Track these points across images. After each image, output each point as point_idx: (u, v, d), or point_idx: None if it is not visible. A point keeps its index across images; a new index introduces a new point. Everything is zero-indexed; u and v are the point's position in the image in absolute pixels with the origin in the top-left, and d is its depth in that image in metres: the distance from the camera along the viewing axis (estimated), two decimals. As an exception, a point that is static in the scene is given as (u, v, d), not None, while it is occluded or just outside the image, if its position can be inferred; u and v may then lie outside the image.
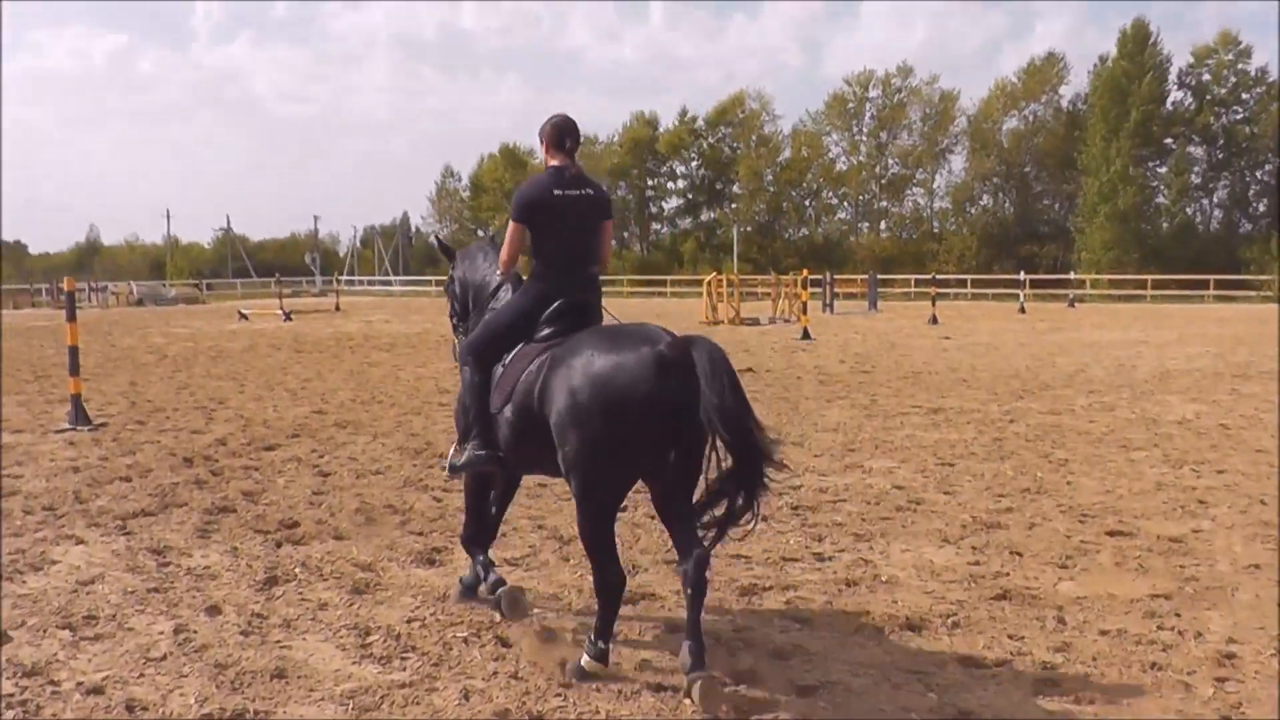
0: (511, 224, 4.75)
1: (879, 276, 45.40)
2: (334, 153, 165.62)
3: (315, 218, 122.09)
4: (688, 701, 4.04)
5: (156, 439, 10.39)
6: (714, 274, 33.44)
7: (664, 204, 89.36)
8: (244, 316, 35.98)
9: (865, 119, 77.09)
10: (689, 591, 4.13)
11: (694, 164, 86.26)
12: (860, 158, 77.12)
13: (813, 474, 8.39)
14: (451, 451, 4.97)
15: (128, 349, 22.41)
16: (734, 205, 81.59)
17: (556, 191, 4.65)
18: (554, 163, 4.76)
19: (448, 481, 8.04)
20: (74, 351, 11.49)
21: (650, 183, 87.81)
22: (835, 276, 42.27)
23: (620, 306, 31.88)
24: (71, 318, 11.60)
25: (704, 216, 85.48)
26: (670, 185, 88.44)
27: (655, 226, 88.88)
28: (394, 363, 18.48)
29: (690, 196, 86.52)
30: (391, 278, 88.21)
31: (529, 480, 8.07)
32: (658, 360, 4.04)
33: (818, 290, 38.50)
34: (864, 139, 77.40)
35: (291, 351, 20.98)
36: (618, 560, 4.29)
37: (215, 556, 6.13)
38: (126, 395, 14.03)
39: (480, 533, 5.18)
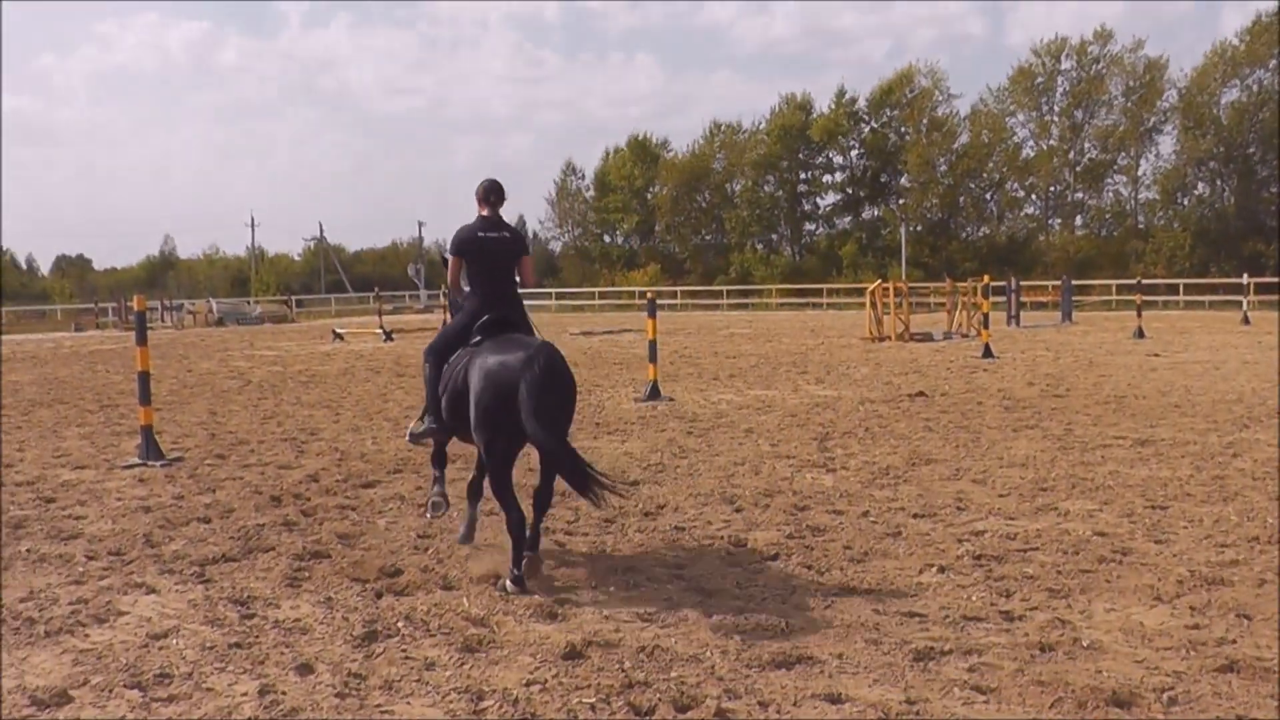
0: (451, 257, 7.55)
1: (1073, 282, 44.23)
2: (442, 151, 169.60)
3: (420, 224, 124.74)
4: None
5: (239, 475, 10.73)
6: (878, 282, 33.06)
7: (819, 200, 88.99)
8: (339, 336, 37.07)
9: (1057, 95, 75.50)
10: (534, 502, 6.94)
11: (854, 153, 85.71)
12: (1051, 141, 75.47)
13: (998, 517, 8.19)
14: (411, 424, 7.84)
15: (206, 374, 23.29)
16: (901, 201, 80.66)
17: (480, 234, 7.37)
18: (482, 213, 7.48)
19: (570, 525, 8.09)
20: (145, 378, 11.82)
21: (803, 176, 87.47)
22: (1021, 283, 41.31)
23: (766, 322, 31.68)
24: (142, 340, 11.92)
25: (866, 214, 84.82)
26: (826, 178, 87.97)
27: (809, 227, 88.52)
28: None
29: (850, 191, 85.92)
30: None
31: (667, 522, 8.09)
32: (523, 362, 6.48)
33: (1001, 300, 37.77)
34: (1055, 119, 75.76)
35: (393, 375, 21.49)
36: (517, 503, 6.70)
37: (306, 608, 6.27)
38: (205, 426, 14.54)
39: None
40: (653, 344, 16.83)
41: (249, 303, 69.66)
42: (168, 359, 28.36)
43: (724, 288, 73.41)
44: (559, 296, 78.34)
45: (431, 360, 7.45)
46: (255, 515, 8.82)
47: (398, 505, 9.13)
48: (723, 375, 20.41)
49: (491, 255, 7.39)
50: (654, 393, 16.35)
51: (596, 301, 75.53)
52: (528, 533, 6.78)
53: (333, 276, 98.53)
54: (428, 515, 8.04)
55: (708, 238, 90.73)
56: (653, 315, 16.92)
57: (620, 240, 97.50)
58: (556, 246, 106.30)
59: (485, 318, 7.29)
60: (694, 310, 66.63)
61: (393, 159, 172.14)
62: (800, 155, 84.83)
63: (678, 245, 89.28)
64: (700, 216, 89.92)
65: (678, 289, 73.54)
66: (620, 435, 12.89)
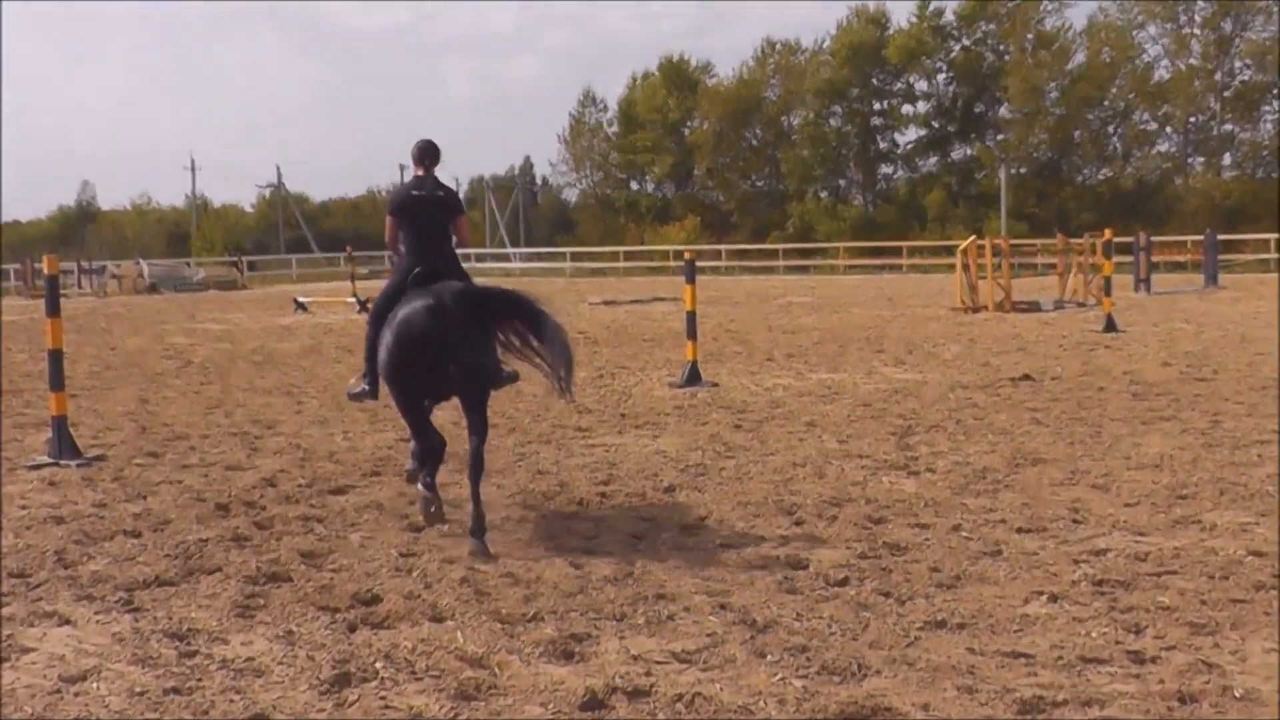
0: (388, 216, 9.39)
1: (1220, 237, 43.83)
2: (429, 78, 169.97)
3: (401, 168, 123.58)
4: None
5: (176, 478, 10.78)
6: (972, 238, 32.92)
7: (897, 137, 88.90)
8: (301, 307, 37.26)
9: (1198, 2, 74.62)
10: (471, 463, 8.35)
11: (941, 78, 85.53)
12: (1191, 60, 74.86)
13: (1124, 532, 8.14)
14: (352, 384, 10.08)
15: (135, 353, 23.45)
16: (1001, 137, 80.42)
17: (413, 193, 9.19)
18: (417, 173, 9.35)
19: (589, 541, 8.09)
20: (57, 357, 11.85)
21: (877, 106, 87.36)
22: (1153, 239, 41.05)
23: (832, 288, 31.64)
24: (54, 310, 11.90)
25: (956, 154, 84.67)
26: (907, 109, 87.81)
27: (885, 170, 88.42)
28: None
29: (936, 125, 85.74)
30: (509, 249, 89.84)
31: (710, 538, 8.07)
32: (427, 308, 8.12)
33: (1127, 259, 37.56)
34: (1197, 32, 75.11)
35: (369, 355, 21.54)
36: (428, 433, 8.75)
37: (261, 644, 6.29)
38: (133, 417, 14.66)
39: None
40: (691, 316, 16.82)
41: (189, 265, 70.03)
42: (86, 334, 28.55)
43: (779, 246, 73.26)
44: (574, 258, 78.49)
45: (371, 321, 9.12)
46: (197, 528, 8.83)
47: (374, 516, 9.15)
48: (778, 355, 20.42)
49: (425, 214, 9.17)
50: (693, 376, 16.37)
51: (621, 264, 75.50)
52: (472, 511, 8.24)
53: (294, 232, 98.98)
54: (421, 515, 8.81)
55: (759, 184, 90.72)
56: (691, 281, 16.90)
57: (651, 188, 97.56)
58: (571, 195, 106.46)
59: (416, 270, 8.86)
60: (742, 275, 66.63)
61: (369, 88, 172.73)
62: (874, 81, 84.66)
63: (722, 194, 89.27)
64: (750, 158, 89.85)
65: (722, 248, 73.46)
66: (651, 429, 12.92)
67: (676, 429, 13.02)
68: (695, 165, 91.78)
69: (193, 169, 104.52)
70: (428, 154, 9.34)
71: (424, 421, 8.79)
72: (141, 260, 63.92)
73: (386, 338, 8.44)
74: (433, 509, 8.61)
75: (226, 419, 14.30)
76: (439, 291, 8.21)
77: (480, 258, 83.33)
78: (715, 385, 16.35)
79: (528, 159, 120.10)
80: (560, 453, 11.72)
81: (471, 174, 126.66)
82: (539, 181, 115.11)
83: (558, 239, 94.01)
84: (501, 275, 70.25)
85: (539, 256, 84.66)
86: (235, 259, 69.73)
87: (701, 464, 10.94)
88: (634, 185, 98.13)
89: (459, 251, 9.61)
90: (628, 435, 12.67)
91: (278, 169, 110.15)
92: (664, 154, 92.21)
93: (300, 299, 38.89)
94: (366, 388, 9.42)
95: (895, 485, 9.86)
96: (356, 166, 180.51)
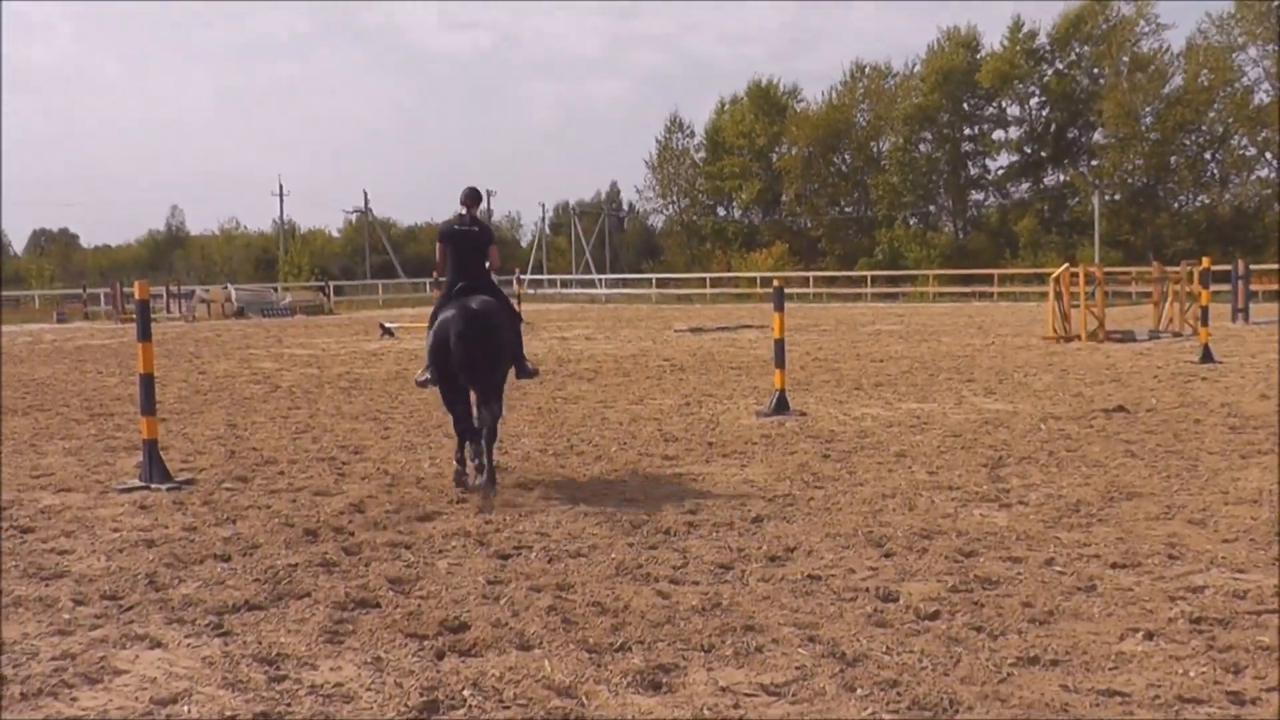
0: (439, 245, 12.17)
1: (1323, 266, 43.00)
2: (514, 101, 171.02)
3: (488, 193, 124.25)
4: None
5: (265, 503, 10.92)
6: (1064, 266, 32.65)
7: (988, 163, 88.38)
8: (388, 332, 37.58)
9: (1300, 25, 73.54)
10: (483, 431, 11.19)
11: (1034, 102, 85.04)
12: (1292, 83, 73.60)
13: (1223, 569, 8.03)
14: (418, 374, 12.54)
15: (223, 377, 23.73)
16: (1095, 162, 79.64)
17: (457, 228, 11.89)
18: (461, 212, 12.05)
19: (677, 571, 8.10)
20: (148, 381, 11.99)
21: (968, 131, 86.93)
22: (1252, 267, 40.43)
23: (921, 315, 31.50)
24: (145, 334, 12.05)
25: (1049, 180, 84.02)
26: (998, 135, 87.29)
27: (975, 196, 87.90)
28: (599, 397, 18.91)
29: (1029, 151, 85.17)
30: (595, 275, 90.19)
31: (798, 569, 8.05)
32: (451, 320, 11.00)
33: (1224, 288, 37.07)
34: (1299, 54, 73.83)
35: (455, 380, 21.74)
36: (462, 417, 11.43)
37: (350, 670, 6.34)
38: (222, 441, 14.88)
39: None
40: (779, 344, 16.81)
41: (275, 290, 70.77)
42: (175, 358, 28.95)
43: (868, 273, 73.04)
44: (660, 284, 78.63)
45: (429, 322, 11.80)
46: (285, 553, 8.93)
47: (462, 543, 9.19)
48: (867, 384, 20.33)
49: (467, 243, 11.99)
50: (781, 405, 16.35)
51: (708, 290, 75.64)
52: (479, 462, 11.34)
53: (380, 257, 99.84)
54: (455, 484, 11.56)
55: (848, 210, 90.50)
56: (779, 308, 16.89)
57: (738, 214, 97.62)
58: (658, 221, 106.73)
59: (459, 285, 11.77)
60: (830, 301, 66.47)
61: (452, 112, 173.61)
62: (965, 105, 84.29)
63: (810, 219, 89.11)
64: (839, 183, 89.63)
65: (810, 274, 73.36)
66: (739, 458, 12.92)
67: (764, 458, 12.98)
68: (783, 191, 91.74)
69: (280, 194, 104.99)
70: (471, 197, 12.34)
71: (456, 403, 11.61)
72: (230, 285, 64.73)
73: (432, 336, 11.47)
74: (462, 480, 11.55)
75: (314, 444, 14.46)
76: (467, 305, 11.36)
77: (566, 284, 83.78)
78: (803, 414, 16.31)
79: (614, 185, 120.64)
80: (647, 481, 11.72)
81: (557, 199, 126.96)
82: (625, 207, 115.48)
83: (644, 265, 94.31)
84: (587, 301, 70.48)
85: (625, 283, 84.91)
86: (322, 284, 70.43)
87: (790, 494, 10.91)
88: (721, 211, 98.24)
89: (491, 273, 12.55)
90: (715, 464, 12.66)
91: (364, 194, 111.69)
92: (751, 179, 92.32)
93: (386, 324, 39.20)
94: (429, 376, 11.96)
95: (987, 518, 9.79)
96: (442, 191, 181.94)
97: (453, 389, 11.56)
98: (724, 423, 15.75)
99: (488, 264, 12.27)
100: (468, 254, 12.08)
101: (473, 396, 11.61)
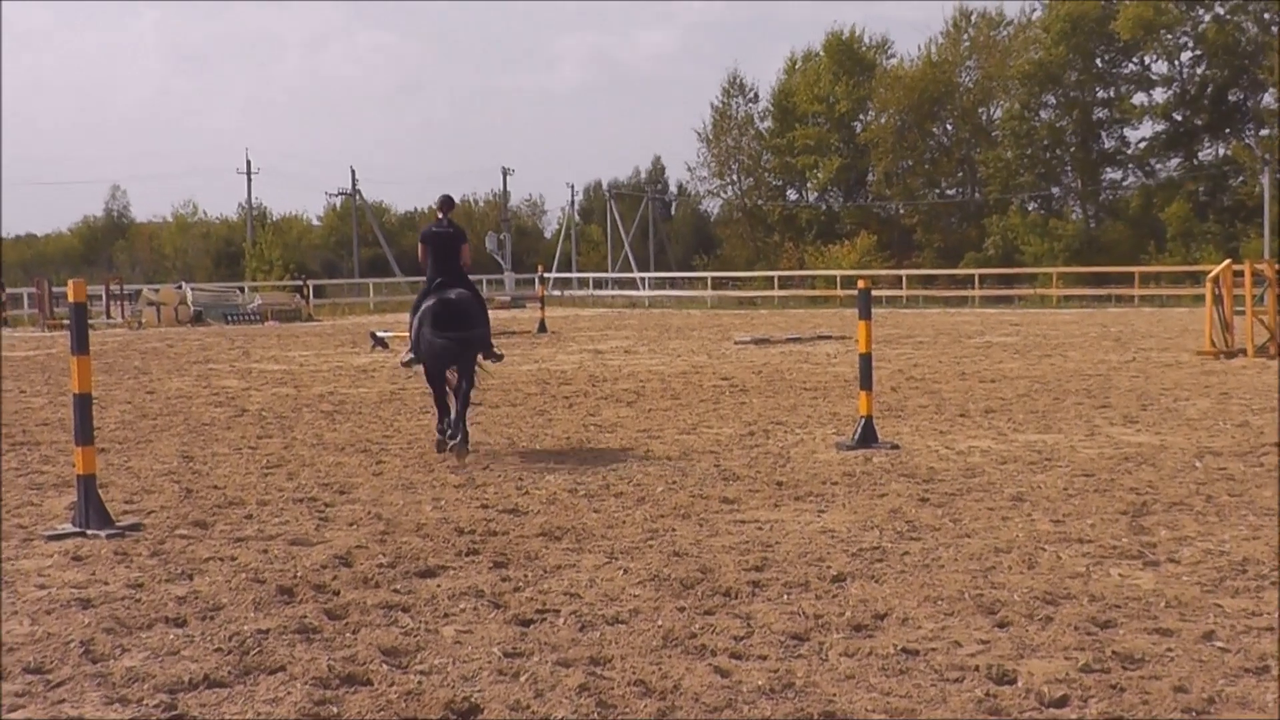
0: (420, 245, 17.46)
1: None
2: (536, 58, 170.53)
3: (504, 172, 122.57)
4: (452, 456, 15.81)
5: (230, 553, 10.86)
6: (1226, 262, 32.38)
7: (1126, 134, 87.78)
8: (380, 343, 37.68)
9: None
10: (461, 400, 16.44)
11: (1186, 57, 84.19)
12: None
13: None
14: (402, 355, 17.88)
15: (178, 398, 23.87)
16: (1265, 132, 78.76)
17: (435, 230, 17.16)
18: (438, 216, 17.29)
19: (739, 642, 8.04)
20: (84, 403, 12.01)
21: (1101, 94, 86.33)
22: None
23: (1043, 323, 31.46)
24: (81, 346, 12.06)
25: (1205, 154, 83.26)
26: (1140, 99, 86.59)
27: (1111, 175, 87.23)
28: (641, 425, 18.92)
29: (1179, 118, 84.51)
30: (636, 273, 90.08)
31: (890, 640, 7.94)
32: (432, 309, 16.33)
33: None
34: None
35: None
36: (441, 393, 17.02)
37: (335, 764, 6.29)
38: (176, 477, 14.98)
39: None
40: (865, 359, 16.77)
41: (241, 290, 70.96)
42: (118, 374, 29.08)
43: (975, 271, 72.80)
44: (717, 284, 78.61)
45: (412, 311, 16.90)
46: (255, 616, 8.88)
47: (472, 605, 9.16)
48: (974, 409, 20.25)
49: (444, 243, 16.90)
50: (867, 435, 16.31)
51: (776, 292, 75.56)
52: (451, 422, 16.09)
53: (371, 250, 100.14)
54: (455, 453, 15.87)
55: (950, 193, 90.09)
56: (865, 314, 16.83)
57: (813, 197, 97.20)
58: (714, 206, 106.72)
59: (437, 281, 16.56)
60: (928, 306, 66.27)
61: (461, 71, 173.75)
62: (1098, 62, 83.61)
63: (903, 205, 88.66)
64: (939, 160, 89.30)
65: (903, 273, 73.18)
66: (815, 502, 12.91)
67: (847, 502, 12.96)
68: (870, 169, 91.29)
69: (248, 172, 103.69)
70: (446, 204, 17.38)
71: (436, 379, 16.81)
72: (185, 284, 64.90)
73: (416, 323, 16.40)
74: (442, 448, 16.34)
75: (289, 481, 14.48)
76: (446, 296, 16.40)
77: (600, 283, 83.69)
78: (895, 447, 16.23)
79: (658, 161, 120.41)
80: (702, 530, 11.67)
81: (589, 179, 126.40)
82: (673, 189, 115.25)
83: (696, 261, 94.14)
84: (626, 306, 70.17)
85: (672, 283, 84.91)
86: (300, 283, 70.52)
87: (879, 547, 10.84)
88: (792, 194, 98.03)
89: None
90: (785, 509, 12.64)
91: (351, 172, 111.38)
92: (830, 155, 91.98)
93: (379, 333, 39.23)
94: (413, 356, 16.78)
95: (1127, 579, 9.69)
96: (444, 166, 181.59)
97: (435, 368, 16.57)
98: (797, 457, 15.70)
99: (462, 262, 17.13)
100: (445, 254, 16.98)
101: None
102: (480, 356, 17.12)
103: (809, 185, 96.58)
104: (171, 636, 8.41)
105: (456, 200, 19.83)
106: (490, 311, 18.12)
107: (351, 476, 14.77)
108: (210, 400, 23.57)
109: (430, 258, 17.06)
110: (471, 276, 18.06)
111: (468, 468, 15.42)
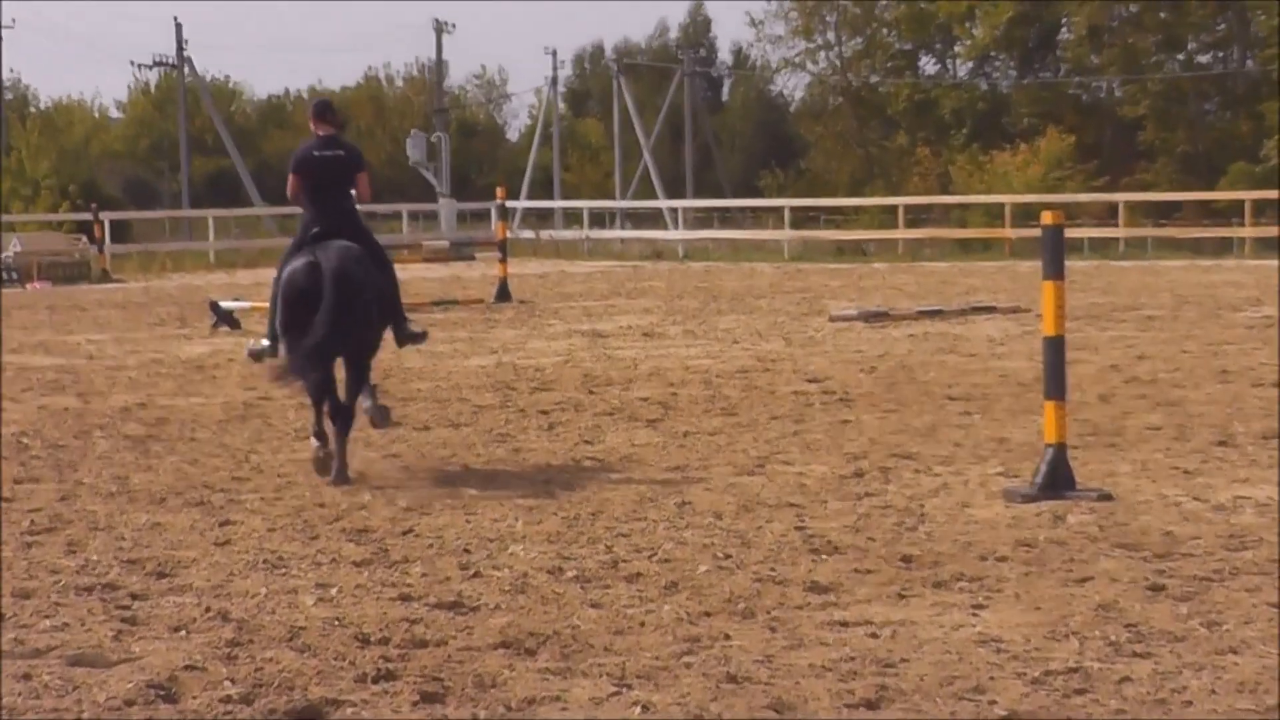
0: (290, 175, 14.92)
1: None
2: None
3: (438, 28, 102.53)
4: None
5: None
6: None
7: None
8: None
9: None
10: (340, 417, 13.53)
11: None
12: None
13: None
14: (252, 342, 18.06)
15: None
16: None
17: (315, 153, 14.86)
18: (318, 132, 14.95)
19: None
20: None
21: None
22: None
23: (1112, 279, 27.33)
24: None
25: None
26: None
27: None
28: (671, 459, 16.37)
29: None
30: (664, 202, 79.45)
31: None
32: (306, 266, 14.04)
33: None
34: None
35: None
36: (320, 384, 13.76)
37: None
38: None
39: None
40: (1055, 348, 13.84)
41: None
42: None
43: (1247, 195, 63.75)
44: (799, 220, 68.29)
45: (275, 279, 14.78)
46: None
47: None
48: (1243, 434, 17.33)
49: (327, 172, 14.47)
50: (1059, 478, 13.68)
51: (901, 233, 67.82)
52: (336, 465, 13.35)
53: (213, 162, 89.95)
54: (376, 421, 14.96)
55: (1202, 60, 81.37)
56: (1057, 271, 13.92)
57: (963, 71, 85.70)
58: (796, 87, 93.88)
59: (315, 229, 14.25)
60: (1164, 254, 59.39)
61: None
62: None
63: (1121, 83, 78.40)
64: (1184, 3, 78.52)
65: (1120, 198, 64.68)
66: (968, 590, 10.45)
67: (1022, 590, 10.30)
68: (1063, 20, 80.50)
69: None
70: (327, 111, 14.68)
71: (310, 370, 13.55)
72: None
73: (277, 292, 14.45)
74: (321, 458, 13.63)
75: (70, 558, 11.86)
76: (323, 252, 13.47)
77: (601, 217, 70.06)
78: (1106, 496, 13.67)
79: (699, 9, 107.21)
80: (774, 638, 9.03)
81: (578, 44, 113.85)
82: (724, 58, 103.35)
83: (765, 180, 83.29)
84: (646, 256, 58.56)
85: (723, 217, 75.76)
86: (88, 217, 63.91)
87: (1079, 669, 8.26)
88: (929, 66, 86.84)
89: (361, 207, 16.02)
90: (917, 603, 10.04)
91: (177, 28, 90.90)
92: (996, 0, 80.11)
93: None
94: (267, 344, 14.63)
95: None
96: (340, 27, 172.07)
97: (307, 357, 13.67)
98: (936, 515, 13.13)
99: (355, 196, 14.92)
100: (330, 186, 14.37)
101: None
102: (391, 335, 14.73)
103: (957, 52, 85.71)
104: None
105: (343, 97, 18.46)
106: (414, 266, 15.76)
107: (178, 547, 12.21)
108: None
109: (306, 193, 14.48)
110: (375, 208, 15.37)
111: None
